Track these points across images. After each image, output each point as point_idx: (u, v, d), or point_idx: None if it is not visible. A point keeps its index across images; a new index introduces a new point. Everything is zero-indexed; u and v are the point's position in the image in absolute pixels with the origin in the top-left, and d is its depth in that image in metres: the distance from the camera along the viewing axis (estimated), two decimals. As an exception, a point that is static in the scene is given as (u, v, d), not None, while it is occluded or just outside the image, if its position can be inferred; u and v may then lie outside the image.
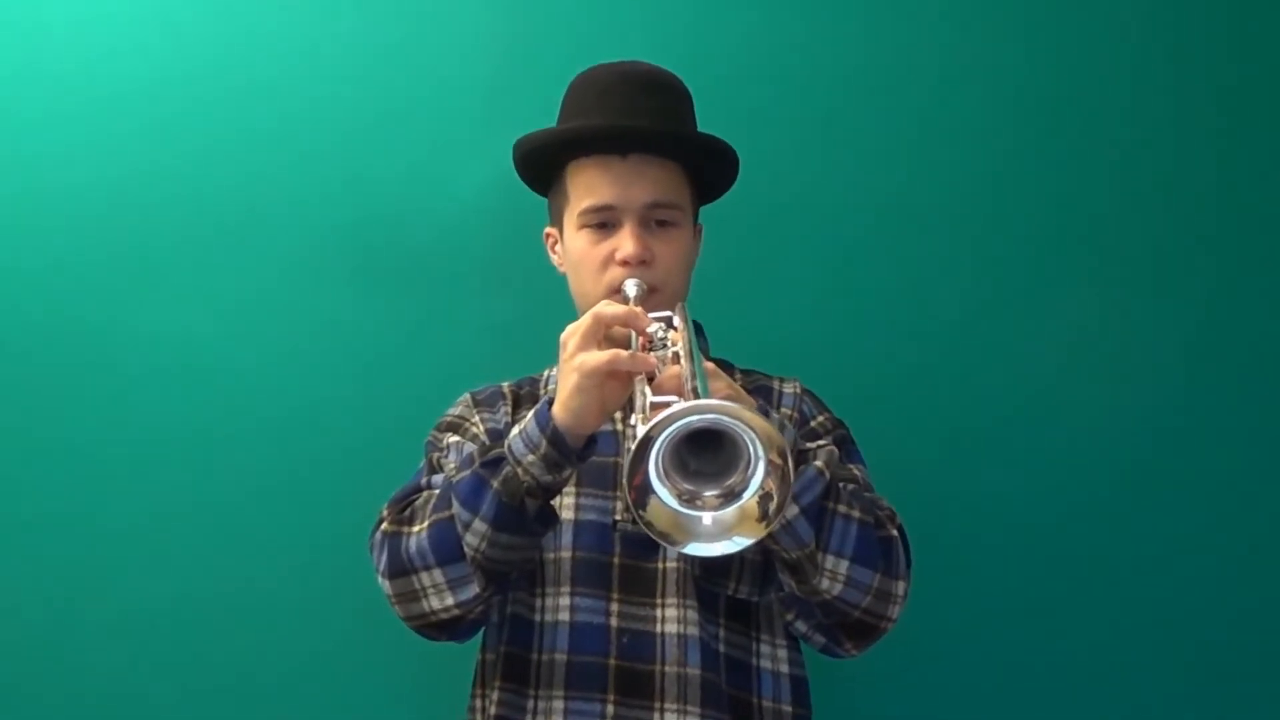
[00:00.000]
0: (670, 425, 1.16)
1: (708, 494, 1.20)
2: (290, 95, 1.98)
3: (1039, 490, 1.97)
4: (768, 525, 1.19)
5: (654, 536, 1.19)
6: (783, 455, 1.16)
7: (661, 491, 1.19)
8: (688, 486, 1.20)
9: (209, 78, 1.98)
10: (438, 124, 1.99)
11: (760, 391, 1.60)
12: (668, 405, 1.18)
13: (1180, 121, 2.03)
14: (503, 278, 1.96)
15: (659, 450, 1.17)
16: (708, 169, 1.60)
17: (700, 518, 1.20)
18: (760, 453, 1.18)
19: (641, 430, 1.16)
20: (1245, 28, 2.06)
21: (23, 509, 1.91)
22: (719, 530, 1.19)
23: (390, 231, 1.97)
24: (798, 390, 1.63)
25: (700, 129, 1.60)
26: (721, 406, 1.16)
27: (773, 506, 1.18)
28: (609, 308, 1.35)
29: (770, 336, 1.89)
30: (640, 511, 1.18)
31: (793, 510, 1.33)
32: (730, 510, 1.19)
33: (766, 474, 1.18)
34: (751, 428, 1.17)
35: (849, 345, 1.97)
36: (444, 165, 1.98)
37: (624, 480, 1.17)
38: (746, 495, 1.19)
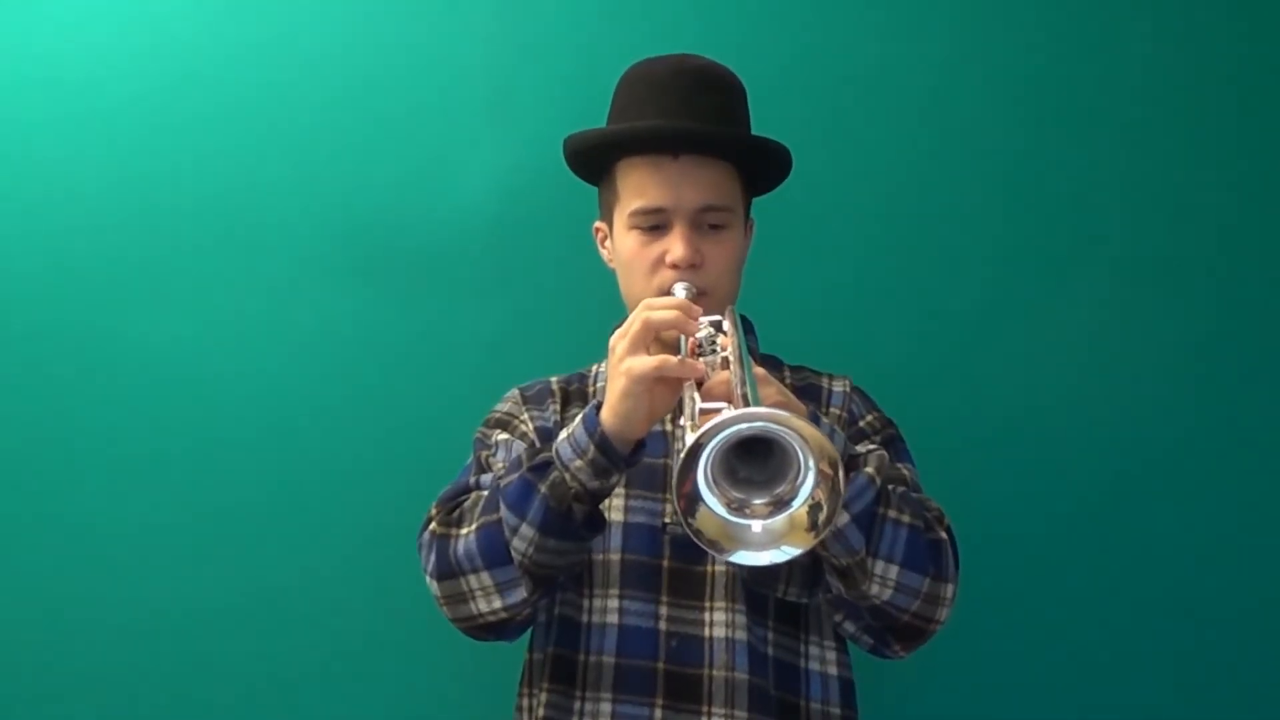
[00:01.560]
0: (719, 434, 1.15)
1: (757, 502, 1.19)
2: (292, 99, 1.98)
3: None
4: (817, 535, 1.18)
5: (702, 545, 1.18)
6: (833, 465, 1.15)
7: (710, 500, 1.18)
8: (737, 495, 1.19)
9: (210, 81, 1.98)
10: (439, 126, 1.98)
11: (809, 390, 1.59)
12: (717, 412, 1.17)
13: (1202, 121, 2.01)
14: (504, 279, 1.96)
15: (708, 458, 1.16)
16: (760, 168, 1.58)
17: (749, 526, 1.19)
18: (810, 462, 1.16)
19: (690, 439, 1.15)
20: (1256, 28, 2.02)
21: (26, 513, 1.91)
22: (768, 539, 1.18)
23: (391, 234, 1.97)
24: (847, 389, 1.61)
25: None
26: (771, 414, 1.15)
27: (822, 517, 1.17)
28: (658, 313, 1.34)
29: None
30: (689, 519, 1.17)
31: (843, 518, 1.32)
32: (780, 519, 1.18)
33: (816, 484, 1.17)
34: (802, 436, 1.15)
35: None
36: (445, 168, 1.97)
37: (673, 489, 1.16)
38: (796, 504, 1.18)
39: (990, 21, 2.02)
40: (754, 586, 1.48)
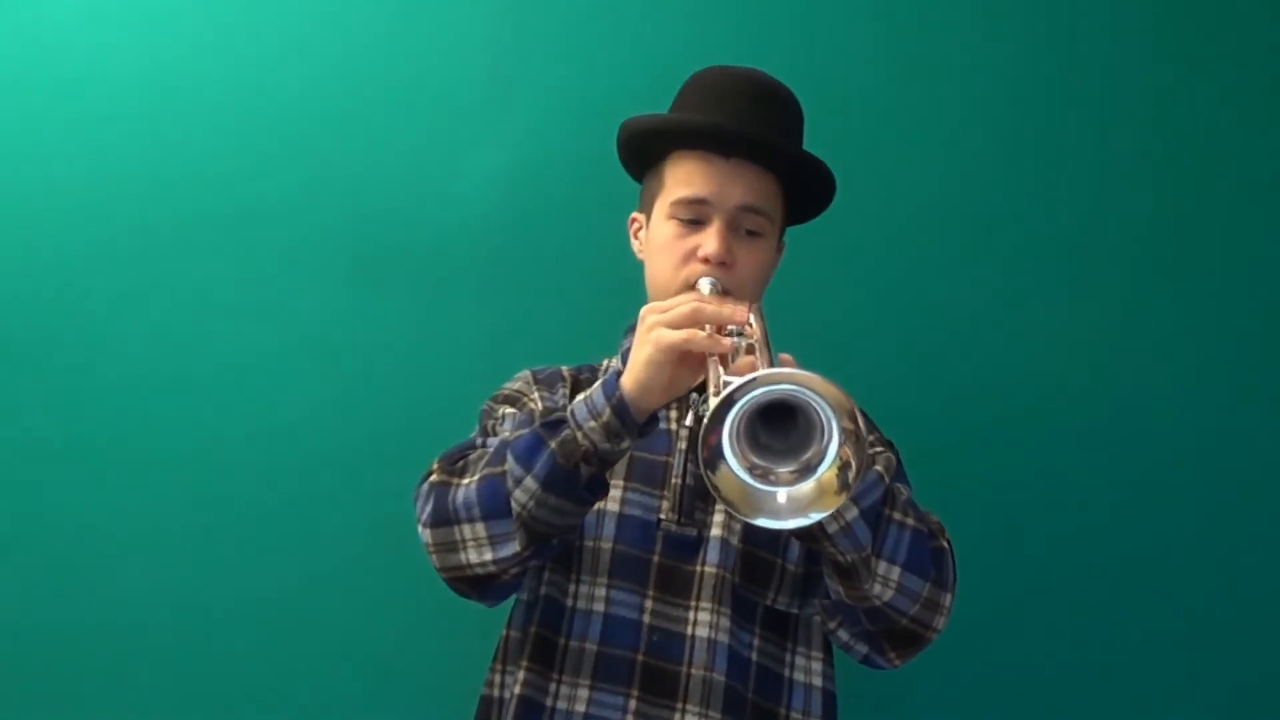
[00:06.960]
0: (750, 391, 1.16)
1: (782, 470, 1.20)
2: (288, 94, 1.98)
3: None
4: (847, 494, 1.18)
5: (725, 505, 1.19)
6: (855, 424, 1.17)
7: (732, 461, 1.19)
8: (760, 461, 1.20)
9: (207, 79, 1.98)
10: (436, 122, 1.98)
11: None
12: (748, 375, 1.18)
13: (1194, 123, 2.03)
14: (501, 276, 1.96)
15: (735, 418, 1.17)
16: (803, 188, 1.59)
17: (774, 494, 1.19)
18: (835, 424, 1.18)
19: (722, 394, 1.16)
20: (1260, 35, 2.05)
21: (22, 509, 1.89)
22: (794, 507, 1.19)
23: (388, 230, 1.96)
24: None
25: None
26: (804, 377, 1.17)
27: (852, 474, 1.18)
28: (711, 309, 1.32)
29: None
30: (710, 474, 1.18)
31: (853, 513, 1.32)
32: (807, 484, 1.19)
33: (842, 443, 1.18)
34: (827, 399, 1.17)
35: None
36: (445, 166, 1.98)
37: (699, 443, 1.16)
38: (823, 468, 1.19)
39: (983, 14, 2.05)
40: (744, 592, 1.47)
